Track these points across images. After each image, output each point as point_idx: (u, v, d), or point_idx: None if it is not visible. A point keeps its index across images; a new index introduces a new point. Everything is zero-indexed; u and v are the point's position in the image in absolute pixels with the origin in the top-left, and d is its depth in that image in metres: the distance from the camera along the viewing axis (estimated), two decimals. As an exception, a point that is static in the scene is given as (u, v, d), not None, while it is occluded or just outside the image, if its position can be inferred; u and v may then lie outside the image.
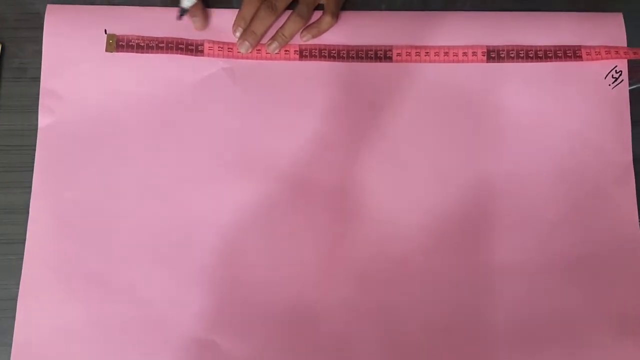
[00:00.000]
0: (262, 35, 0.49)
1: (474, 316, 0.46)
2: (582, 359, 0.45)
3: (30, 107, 0.49)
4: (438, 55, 0.50)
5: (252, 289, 0.46)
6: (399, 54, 0.50)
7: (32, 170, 0.47)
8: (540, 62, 0.50)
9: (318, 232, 0.47)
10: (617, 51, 0.49)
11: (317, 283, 0.46)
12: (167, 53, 0.49)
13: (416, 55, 0.50)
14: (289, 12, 0.49)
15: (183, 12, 0.46)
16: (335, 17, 0.49)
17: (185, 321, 0.45)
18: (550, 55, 0.50)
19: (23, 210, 0.47)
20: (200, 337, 0.45)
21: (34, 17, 0.50)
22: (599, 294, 0.47)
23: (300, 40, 0.50)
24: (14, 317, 0.45)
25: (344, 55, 0.50)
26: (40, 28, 0.49)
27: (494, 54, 0.50)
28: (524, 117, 0.49)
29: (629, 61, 0.50)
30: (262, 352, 0.45)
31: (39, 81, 0.49)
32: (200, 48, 0.49)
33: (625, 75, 0.50)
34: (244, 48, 0.49)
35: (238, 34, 0.49)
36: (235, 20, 0.49)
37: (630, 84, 0.50)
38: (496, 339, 0.46)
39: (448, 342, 0.46)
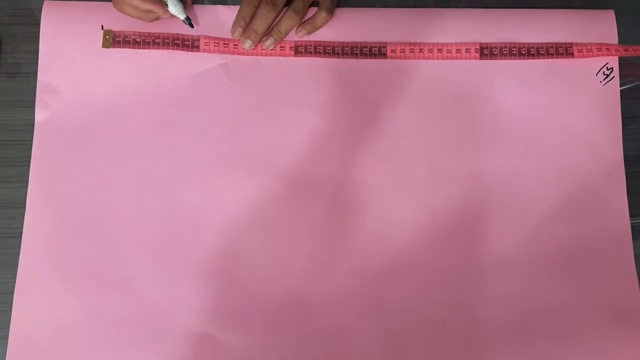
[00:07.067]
0: (264, 33, 0.49)
1: (469, 309, 0.47)
2: (575, 350, 0.46)
3: (26, 102, 0.49)
4: (432, 52, 0.50)
5: (250, 282, 0.46)
6: (393, 51, 0.50)
7: (29, 165, 0.47)
8: (533, 59, 0.50)
9: (314, 227, 0.48)
10: (608, 48, 0.50)
11: (314, 276, 0.47)
12: (163, 49, 0.49)
13: (410, 52, 0.50)
14: (284, 8, 0.49)
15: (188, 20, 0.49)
16: (331, 13, 0.49)
17: (182, 314, 0.46)
18: (542, 52, 0.50)
19: (20, 205, 0.47)
20: (197, 330, 0.46)
21: (28, 14, 0.50)
22: (591, 287, 0.47)
23: (296, 36, 0.50)
24: (10, 311, 0.45)
25: (339, 52, 0.50)
26: (35, 24, 0.49)
27: (487, 51, 0.50)
28: (517, 113, 0.50)
29: (620, 58, 0.50)
30: (259, 344, 0.46)
31: (35, 77, 0.49)
32: (196, 44, 0.50)
33: (616, 72, 0.50)
34: (247, 45, 0.49)
35: (237, 35, 0.49)
36: (234, 21, 0.49)
37: (621, 83, 0.50)
38: (491, 332, 0.46)
39: (443, 335, 0.46)
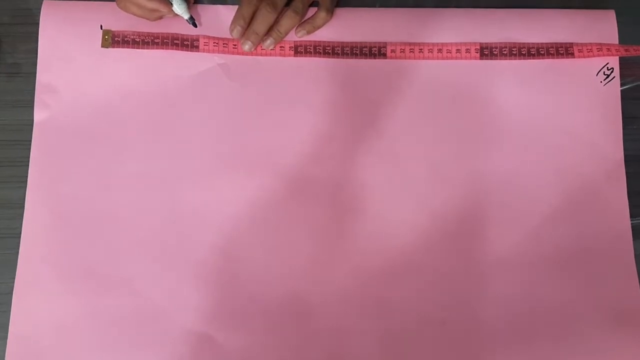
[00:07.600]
0: (264, 34, 0.49)
1: (469, 310, 0.47)
2: (575, 350, 0.46)
3: (26, 102, 0.49)
4: (432, 52, 0.50)
5: (250, 282, 0.46)
6: (393, 51, 0.50)
7: (28, 165, 0.47)
8: (533, 59, 0.50)
9: (314, 227, 0.48)
10: (608, 48, 0.50)
11: (314, 277, 0.47)
12: (163, 48, 0.49)
13: (410, 52, 0.50)
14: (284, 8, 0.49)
15: (192, 20, 0.49)
16: (330, 13, 0.49)
17: (181, 314, 0.46)
18: (542, 52, 0.50)
19: (19, 205, 0.47)
20: (197, 330, 0.46)
21: (28, 14, 0.50)
22: (591, 287, 0.47)
23: (295, 36, 0.50)
24: (10, 312, 0.45)
25: (339, 52, 0.50)
26: (34, 24, 0.49)
27: (487, 51, 0.50)
28: (517, 113, 0.49)
29: (620, 58, 0.50)
30: (259, 344, 0.46)
31: (34, 77, 0.49)
32: (195, 43, 0.50)
33: (616, 72, 0.50)
34: (247, 47, 0.49)
35: (235, 33, 0.49)
36: (233, 19, 0.49)
37: (622, 83, 0.50)
38: (491, 332, 0.46)
39: (443, 335, 0.46)
